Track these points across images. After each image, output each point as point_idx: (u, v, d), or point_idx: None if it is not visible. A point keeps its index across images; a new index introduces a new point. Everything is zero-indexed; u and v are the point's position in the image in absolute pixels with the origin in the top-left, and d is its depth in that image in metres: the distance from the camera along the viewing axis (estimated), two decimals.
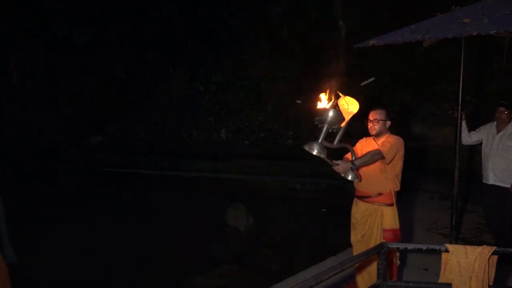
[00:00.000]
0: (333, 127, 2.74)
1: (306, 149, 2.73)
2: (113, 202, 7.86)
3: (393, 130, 3.44)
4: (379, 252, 2.52)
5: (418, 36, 3.62)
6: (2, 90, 12.53)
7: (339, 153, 3.21)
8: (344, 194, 7.42)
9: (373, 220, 3.36)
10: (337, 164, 2.93)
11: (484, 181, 4.60)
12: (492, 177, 4.47)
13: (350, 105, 2.89)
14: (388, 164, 3.26)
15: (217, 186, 9.25)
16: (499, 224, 4.53)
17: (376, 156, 3.15)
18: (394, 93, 11.25)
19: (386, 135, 3.36)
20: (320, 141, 2.73)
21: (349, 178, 2.98)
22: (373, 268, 3.20)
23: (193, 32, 15.35)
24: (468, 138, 4.62)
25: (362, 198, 3.42)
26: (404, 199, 3.53)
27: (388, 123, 3.36)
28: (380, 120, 3.32)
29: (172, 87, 14.65)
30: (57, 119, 12.63)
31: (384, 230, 3.32)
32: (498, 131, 4.48)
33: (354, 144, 3.43)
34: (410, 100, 11.02)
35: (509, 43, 9.66)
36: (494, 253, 2.41)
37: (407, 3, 11.96)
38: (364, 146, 3.44)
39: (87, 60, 14.07)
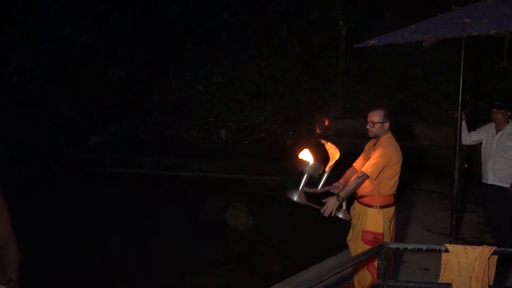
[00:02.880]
0: (313, 175, 3.09)
1: (288, 196, 3.07)
2: (113, 202, 7.86)
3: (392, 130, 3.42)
4: (379, 252, 2.52)
5: (418, 36, 3.63)
6: (2, 90, 12.52)
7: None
8: None
9: (359, 220, 3.38)
10: (325, 204, 3.11)
11: (483, 181, 4.61)
12: (491, 177, 4.48)
13: (332, 152, 3.25)
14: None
15: (217, 186, 9.24)
16: (498, 224, 4.53)
17: (360, 179, 3.19)
18: (394, 93, 11.25)
19: (384, 137, 3.32)
20: (300, 188, 3.07)
21: (340, 216, 3.25)
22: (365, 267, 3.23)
23: (193, 32, 15.35)
24: (468, 138, 4.63)
25: (356, 198, 3.45)
26: (404, 199, 3.53)
27: (387, 124, 3.30)
28: (376, 122, 3.29)
29: (172, 87, 14.64)
30: (57, 119, 12.62)
31: (364, 231, 3.29)
32: (497, 131, 4.49)
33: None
34: (410, 100, 11.01)
35: (509, 43, 9.70)
36: (494, 253, 2.42)
37: (407, 3, 11.95)
38: (370, 147, 3.47)
39: (87, 60, 14.07)
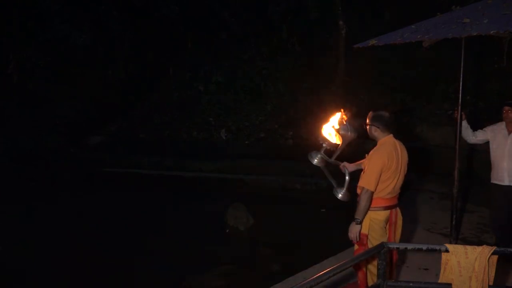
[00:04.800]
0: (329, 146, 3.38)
1: (308, 158, 3.37)
2: (113, 202, 7.86)
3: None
4: (379, 252, 2.52)
5: (418, 36, 3.63)
6: (2, 90, 12.52)
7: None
8: None
9: None
10: (352, 235, 3.21)
11: (496, 182, 4.48)
12: (507, 178, 4.39)
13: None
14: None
15: (217, 186, 9.24)
16: (504, 224, 4.49)
17: (365, 195, 3.15)
18: (394, 93, 11.25)
19: (379, 142, 3.29)
20: (320, 154, 3.36)
21: (339, 197, 3.41)
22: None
23: (193, 32, 15.35)
24: (473, 137, 4.53)
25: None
26: (404, 199, 3.53)
27: (374, 128, 3.27)
28: (366, 124, 3.32)
29: (172, 87, 14.65)
30: (57, 119, 12.63)
31: None
32: (509, 132, 4.39)
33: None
34: (410, 100, 11.01)
35: (509, 43, 9.68)
36: (494, 253, 2.42)
37: (407, 3, 11.95)
38: None
39: (87, 60, 14.08)
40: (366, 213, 3.19)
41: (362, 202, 3.15)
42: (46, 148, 11.36)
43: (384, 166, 3.14)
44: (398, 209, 3.37)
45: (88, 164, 10.72)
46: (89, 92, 13.66)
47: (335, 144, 3.39)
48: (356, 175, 3.47)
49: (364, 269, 3.28)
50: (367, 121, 3.31)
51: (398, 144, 3.30)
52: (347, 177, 3.42)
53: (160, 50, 15.21)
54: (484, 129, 4.58)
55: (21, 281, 4.94)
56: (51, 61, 13.33)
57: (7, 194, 7.91)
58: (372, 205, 3.22)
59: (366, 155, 3.36)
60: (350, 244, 3.62)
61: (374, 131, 3.28)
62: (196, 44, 15.51)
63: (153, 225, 6.80)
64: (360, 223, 3.18)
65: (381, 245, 2.54)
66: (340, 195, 3.39)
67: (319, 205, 7.59)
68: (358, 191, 3.26)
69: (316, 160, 3.36)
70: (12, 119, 11.95)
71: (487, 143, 4.63)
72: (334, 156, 3.43)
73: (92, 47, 14.03)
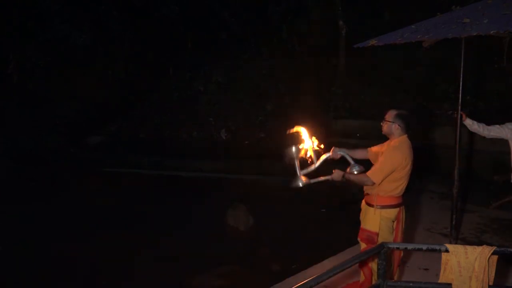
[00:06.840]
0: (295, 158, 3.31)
1: (293, 186, 3.28)
2: (113, 202, 7.85)
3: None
4: (379, 252, 2.52)
5: (418, 36, 3.64)
6: (2, 90, 12.53)
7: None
8: (344, 194, 7.44)
9: (362, 218, 3.44)
10: (330, 177, 3.30)
11: None
12: None
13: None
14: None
15: (217, 186, 9.24)
16: None
17: (364, 181, 3.24)
18: (394, 93, 11.25)
19: (395, 140, 3.33)
20: (298, 174, 3.29)
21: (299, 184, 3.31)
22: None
23: (193, 32, 15.35)
24: (487, 131, 4.41)
25: (364, 195, 3.50)
26: (404, 199, 3.53)
27: (396, 126, 3.30)
28: (386, 121, 3.34)
29: (172, 87, 14.65)
30: (57, 119, 12.63)
31: (361, 229, 3.37)
32: None
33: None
34: (410, 100, 11.01)
35: (509, 43, 9.69)
36: (494, 253, 2.42)
37: (407, 3, 11.95)
38: (384, 145, 3.46)
39: (87, 60, 14.08)
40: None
41: (357, 181, 3.27)
42: (46, 148, 11.35)
43: (399, 166, 3.22)
44: (403, 206, 3.44)
45: (88, 164, 10.71)
46: (89, 92, 13.65)
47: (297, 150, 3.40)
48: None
49: (370, 265, 3.31)
50: (389, 118, 3.34)
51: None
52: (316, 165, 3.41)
53: (160, 50, 15.20)
54: (502, 125, 4.41)
55: (21, 281, 4.94)
56: (51, 61, 13.34)
57: (7, 194, 7.91)
58: (384, 203, 3.28)
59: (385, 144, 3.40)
60: (350, 244, 3.63)
61: (395, 129, 3.32)
62: (196, 44, 15.50)
63: (152, 225, 6.80)
64: (344, 180, 3.27)
65: (381, 245, 2.54)
66: (300, 183, 3.31)
67: (319, 205, 7.59)
68: (357, 174, 3.29)
69: (300, 182, 3.30)
70: (12, 119, 11.95)
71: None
72: (315, 160, 3.46)
73: (92, 47, 14.04)
